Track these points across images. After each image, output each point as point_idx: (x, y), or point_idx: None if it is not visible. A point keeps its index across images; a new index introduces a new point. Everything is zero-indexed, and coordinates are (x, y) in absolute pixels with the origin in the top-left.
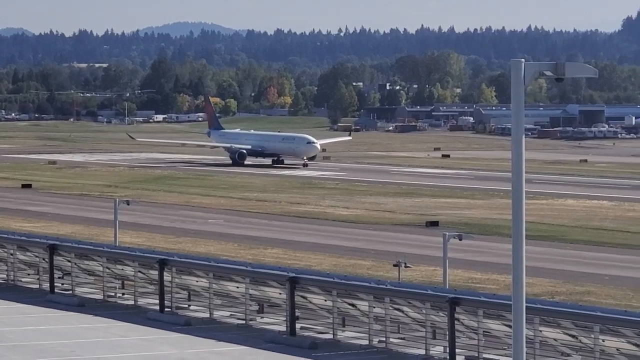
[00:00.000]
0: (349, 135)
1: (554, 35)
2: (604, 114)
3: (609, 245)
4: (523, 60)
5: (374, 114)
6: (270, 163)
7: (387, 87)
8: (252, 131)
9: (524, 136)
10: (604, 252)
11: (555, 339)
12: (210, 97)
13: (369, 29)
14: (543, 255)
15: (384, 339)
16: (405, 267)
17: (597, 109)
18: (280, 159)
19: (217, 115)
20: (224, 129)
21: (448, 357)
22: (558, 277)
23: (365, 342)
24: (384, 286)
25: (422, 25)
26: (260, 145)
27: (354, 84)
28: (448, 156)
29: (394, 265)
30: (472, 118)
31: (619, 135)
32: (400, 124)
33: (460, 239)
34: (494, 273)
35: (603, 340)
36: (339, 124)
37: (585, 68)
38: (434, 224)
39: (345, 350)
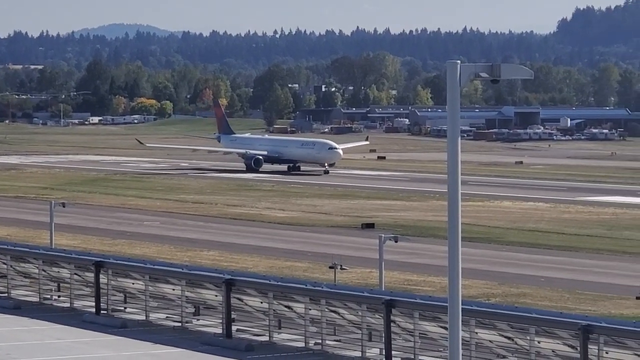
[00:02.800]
0: (367, 139)
1: (490, 36)
2: (540, 115)
3: (545, 247)
4: (459, 61)
5: (309, 115)
6: (286, 170)
7: (323, 89)
8: (266, 136)
9: (459, 138)
10: (539, 253)
11: (491, 341)
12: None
13: (305, 31)
14: (479, 257)
15: (320, 341)
16: (341, 269)
17: (533, 110)
18: (297, 165)
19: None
20: (235, 133)
21: (384, 359)
22: (494, 279)
23: (301, 344)
24: (320, 288)
25: (358, 26)
26: (277, 151)
27: (290, 85)
28: (384, 158)
29: (330, 267)
30: (407, 120)
31: (554, 137)
32: (336, 126)
33: (396, 241)
34: (430, 275)
35: (539, 342)
36: (275, 126)
37: (521, 69)
38: (369, 225)
39: (281, 353)
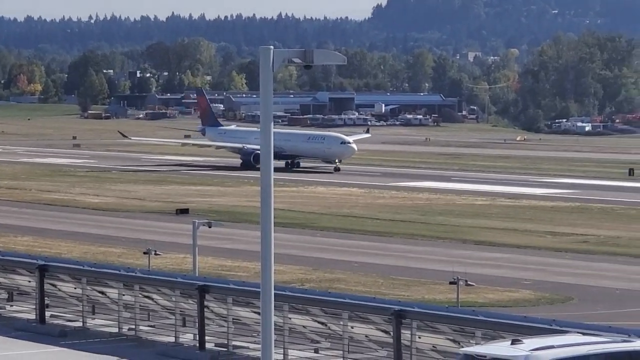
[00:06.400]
0: (367, 132)
1: (305, 22)
2: (354, 101)
3: (359, 233)
4: (272, 47)
5: (124, 101)
6: (283, 167)
7: (138, 75)
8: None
9: (272, 123)
10: (354, 239)
11: (304, 326)
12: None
13: (120, 16)
14: (293, 243)
15: (133, 326)
16: (156, 254)
17: (347, 96)
18: (296, 161)
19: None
20: (222, 125)
21: (198, 345)
22: (308, 264)
23: (115, 330)
24: (134, 274)
25: (173, 12)
26: (277, 146)
27: (105, 71)
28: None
29: (144, 253)
30: (222, 105)
31: (369, 122)
32: (151, 112)
33: (209, 227)
34: (244, 260)
35: (352, 327)
36: (89, 112)
37: (334, 55)
38: (184, 211)
39: (94, 338)
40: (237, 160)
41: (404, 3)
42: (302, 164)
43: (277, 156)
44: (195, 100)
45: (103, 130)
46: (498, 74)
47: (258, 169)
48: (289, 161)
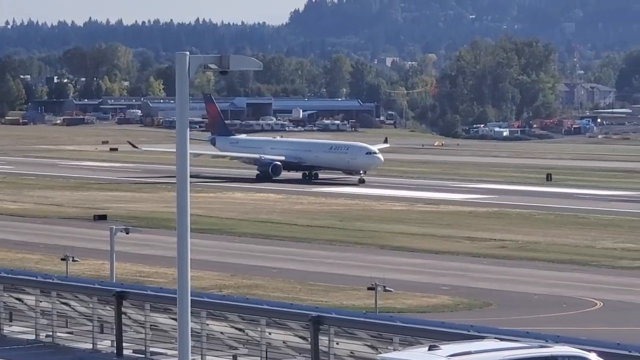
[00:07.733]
0: (385, 141)
1: (222, 28)
2: (272, 106)
3: (277, 238)
4: (188, 53)
5: (41, 107)
6: (300, 178)
7: (55, 80)
8: (278, 138)
9: (188, 129)
10: (272, 245)
11: (222, 333)
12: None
13: (37, 21)
14: (211, 249)
15: (51, 333)
16: (73, 261)
17: (265, 102)
18: (314, 172)
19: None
20: (234, 135)
21: (115, 351)
22: (226, 270)
23: (32, 337)
24: (51, 280)
25: (90, 17)
26: (296, 156)
27: (22, 77)
28: (116, 149)
29: (62, 259)
30: (140, 111)
31: (287, 128)
32: (68, 117)
33: (127, 233)
34: (162, 266)
35: (270, 333)
36: (6, 118)
37: (250, 61)
38: (102, 217)
39: (11, 345)
40: (225, 170)
41: (321, 8)
42: (320, 175)
43: (296, 167)
44: (114, 106)
45: (20, 137)
46: (416, 79)
47: (276, 181)
48: (307, 172)
